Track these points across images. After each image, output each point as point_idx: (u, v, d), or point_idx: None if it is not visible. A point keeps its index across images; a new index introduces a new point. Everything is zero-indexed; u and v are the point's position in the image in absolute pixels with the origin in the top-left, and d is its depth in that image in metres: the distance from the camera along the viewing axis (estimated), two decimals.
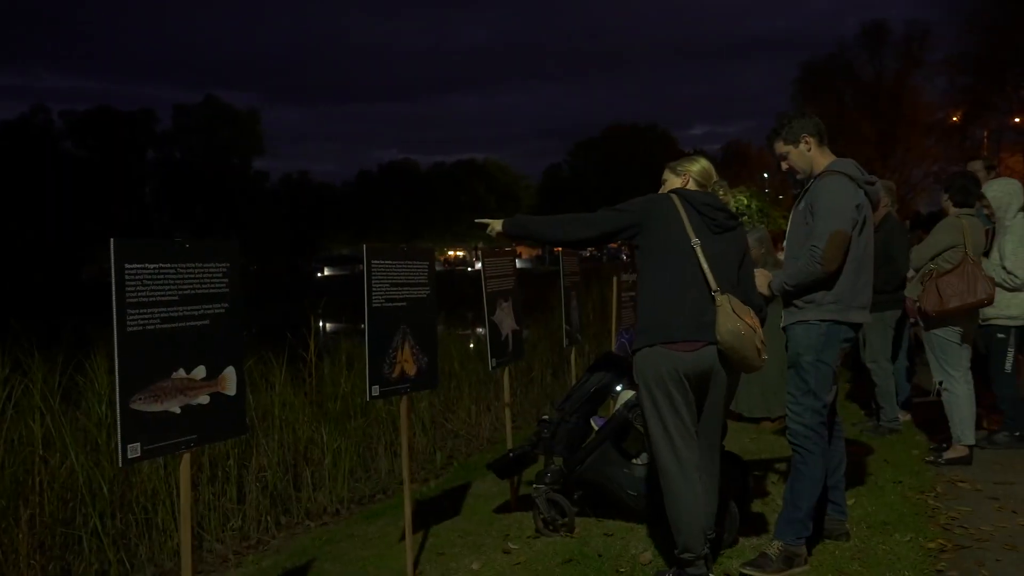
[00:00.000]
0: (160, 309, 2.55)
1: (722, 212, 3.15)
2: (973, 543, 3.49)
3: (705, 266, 3.01)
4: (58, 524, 3.89)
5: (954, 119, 34.39)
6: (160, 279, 2.56)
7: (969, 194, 4.94)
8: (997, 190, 5.01)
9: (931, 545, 3.47)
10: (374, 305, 3.36)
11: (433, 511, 4.49)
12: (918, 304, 4.79)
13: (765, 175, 44.47)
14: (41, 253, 47.34)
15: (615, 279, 6.66)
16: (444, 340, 8.24)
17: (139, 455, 2.46)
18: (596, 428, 4.06)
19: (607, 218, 3.16)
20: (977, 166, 5.81)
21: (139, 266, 2.50)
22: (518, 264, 5.10)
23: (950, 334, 4.76)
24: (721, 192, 3.23)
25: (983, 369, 5.23)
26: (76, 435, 4.32)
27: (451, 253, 69.32)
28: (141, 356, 2.48)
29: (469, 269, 51.73)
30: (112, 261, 2.42)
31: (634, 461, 3.84)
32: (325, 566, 3.78)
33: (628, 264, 7.02)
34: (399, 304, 3.49)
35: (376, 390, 3.36)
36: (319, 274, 54.10)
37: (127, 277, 2.46)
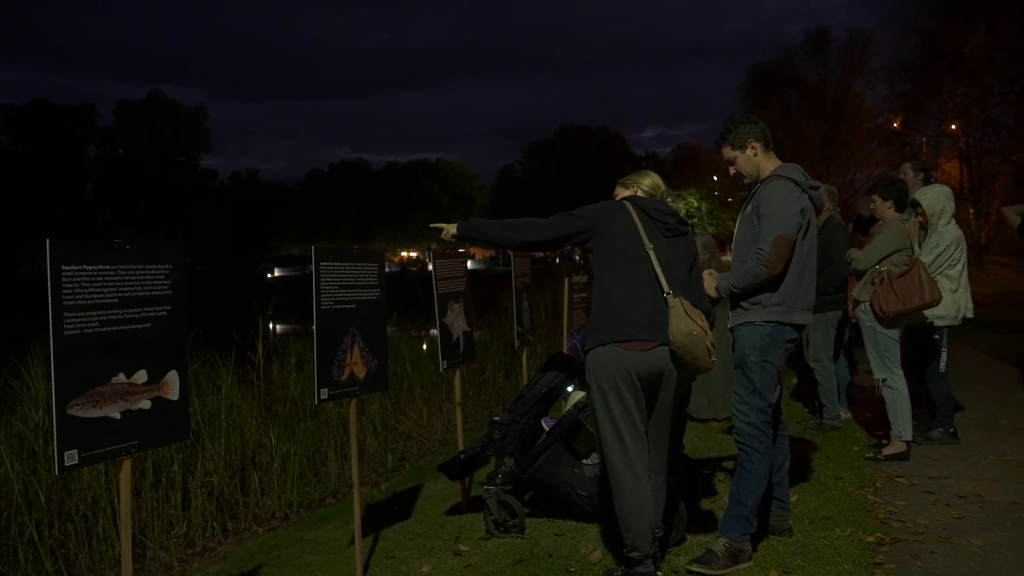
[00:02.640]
0: (99, 312, 2.48)
1: (673, 217, 3.21)
2: (909, 536, 3.61)
3: (658, 269, 3.06)
4: None
5: (895, 125, 35.45)
6: (99, 281, 2.49)
7: (906, 200, 5.10)
8: (931, 197, 5.10)
9: (870, 539, 3.58)
10: (323, 307, 3.32)
11: (384, 514, 4.45)
12: (869, 303, 4.87)
13: (715, 178, 45.24)
14: None
15: (566, 280, 6.70)
16: (396, 341, 8.19)
17: (76, 462, 2.39)
18: (547, 429, 4.08)
19: (561, 222, 3.18)
20: (907, 167, 5.84)
21: (77, 267, 2.42)
22: (471, 265, 5.10)
23: (896, 334, 4.91)
24: (670, 200, 3.30)
25: (912, 368, 5.38)
26: (11, 442, 4.19)
27: (404, 254, 68.86)
28: (79, 360, 2.41)
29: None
30: (48, 262, 2.34)
31: (584, 461, 3.86)
32: (273, 572, 3.72)
33: (580, 266, 7.06)
34: (348, 306, 3.45)
35: (325, 393, 3.32)
36: (269, 275, 53.24)
37: (64, 279, 2.38)
